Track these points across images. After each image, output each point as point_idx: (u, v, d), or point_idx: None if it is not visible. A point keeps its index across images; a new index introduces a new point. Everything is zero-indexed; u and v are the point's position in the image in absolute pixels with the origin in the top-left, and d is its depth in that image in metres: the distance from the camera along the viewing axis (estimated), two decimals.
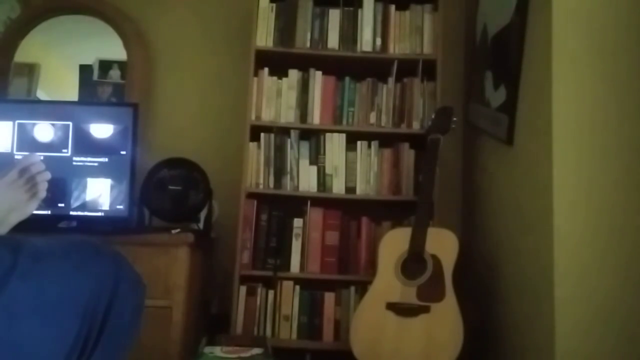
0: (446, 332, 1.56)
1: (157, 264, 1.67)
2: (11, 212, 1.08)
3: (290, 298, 1.99)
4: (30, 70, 2.35)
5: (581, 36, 1.43)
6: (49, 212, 1.87)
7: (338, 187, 2.06)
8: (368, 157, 2.08)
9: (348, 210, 2.08)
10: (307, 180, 2.06)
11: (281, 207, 2.06)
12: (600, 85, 1.42)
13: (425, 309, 1.60)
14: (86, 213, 1.89)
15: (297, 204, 2.05)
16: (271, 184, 2.05)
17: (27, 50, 2.32)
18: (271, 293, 1.99)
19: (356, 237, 2.06)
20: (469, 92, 2.22)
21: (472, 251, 2.04)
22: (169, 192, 1.90)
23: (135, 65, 2.26)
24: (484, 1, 2.08)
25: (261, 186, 2.05)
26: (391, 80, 2.10)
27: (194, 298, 1.83)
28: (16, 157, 1.91)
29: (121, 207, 1.90)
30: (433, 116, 1.96)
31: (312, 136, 2.08)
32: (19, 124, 1.93)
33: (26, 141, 1.92)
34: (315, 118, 2.09)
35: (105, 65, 2.32)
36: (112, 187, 1.90)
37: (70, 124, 1.92)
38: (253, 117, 2.07)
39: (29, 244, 0.86)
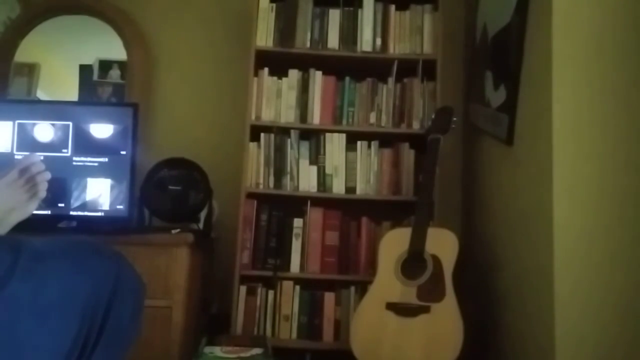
0: (446, 332, 1.56)
1: (157, 264, 1.67)
2: (11, 212, 1.08)
3: (290, 298, 1.99)
4: (30, 70, 2.35)
5: (581, 36, 1.43)
6: (49, 212, 1.87)
7: (338, 187, 2.06)
8: (368, 157, 2.08)
9: (348, 210, 2.08)
10: (307, 180, 2.06)
11: (281, 207, 2.06)
12: (600, 85, 1.42)
13: (425, 309, 1.60)
14: (86, 213, 1.89)
15: (297, 204, 2.05)
16: (271, 184, 2.05)
17: (27, 50, 2.32)
18: (271, 293, 1.99)
19: (356, 237, 2.06)
20: (469, 92, 2.22)
21: (472, 251, 2.04)
22: (169, 192, 1.90)
23: (135, 65, 2.26)
24: (484, 1, 2.08)
25: (261, 186, 2.05)
26: (391, 80, 2.10)
27: (194, 298, 1.83)
28: (16, 157, 1.91)
29: (121, 207, 1.90)
30: (433, 116, 1.96)
31: (312, 136, 2.08)
32: (19, 124, 1.93)
33: (26, 141, 1.92)
34: (315, 118, 2.09)
35: (105, 65, 2.32)
36: (112, 187, 1.90)
37: (70, 124, 1.92)
38: (253, 117, 2.07)
39: (29, 244, 0.86)
